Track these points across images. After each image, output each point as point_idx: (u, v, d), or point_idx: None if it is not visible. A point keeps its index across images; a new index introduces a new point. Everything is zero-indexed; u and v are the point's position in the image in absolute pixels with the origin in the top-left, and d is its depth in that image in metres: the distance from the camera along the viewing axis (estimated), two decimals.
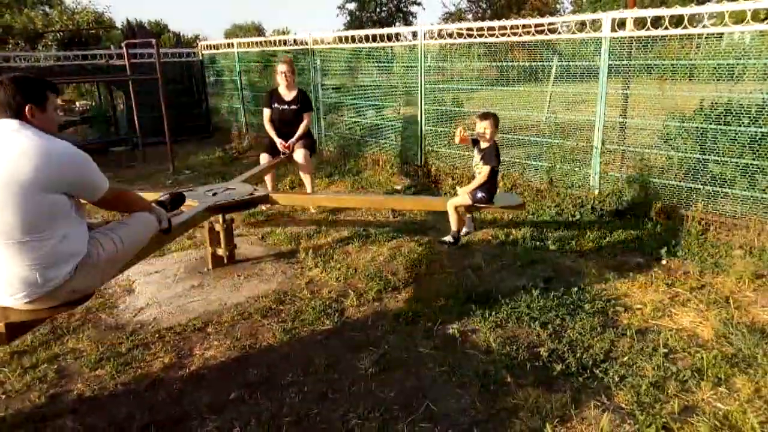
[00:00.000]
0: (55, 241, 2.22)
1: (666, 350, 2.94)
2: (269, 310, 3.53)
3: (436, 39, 6.59)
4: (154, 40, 8.19)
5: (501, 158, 4.23)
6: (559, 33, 5.43)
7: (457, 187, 3.97)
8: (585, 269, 4.02)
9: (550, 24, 5.44)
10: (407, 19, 40.91)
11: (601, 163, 5.32)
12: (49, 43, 18.84)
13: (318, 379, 2.77)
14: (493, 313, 3.34)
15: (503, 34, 5.74)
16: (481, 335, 3.14)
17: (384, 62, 7.38)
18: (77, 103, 14.72)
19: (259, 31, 49.31)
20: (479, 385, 2.68)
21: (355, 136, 7.95)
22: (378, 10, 40.29)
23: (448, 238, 4.41)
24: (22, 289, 2.22)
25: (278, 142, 5.68)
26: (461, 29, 6.24)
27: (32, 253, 2.18)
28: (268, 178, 5.74)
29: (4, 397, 2.69)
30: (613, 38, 5.02)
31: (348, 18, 40.59)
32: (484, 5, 40.37)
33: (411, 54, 6.82)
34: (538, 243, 4.56)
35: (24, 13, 21.12)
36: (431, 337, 3.14)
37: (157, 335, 3.24)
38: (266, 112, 5.79)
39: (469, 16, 40.43)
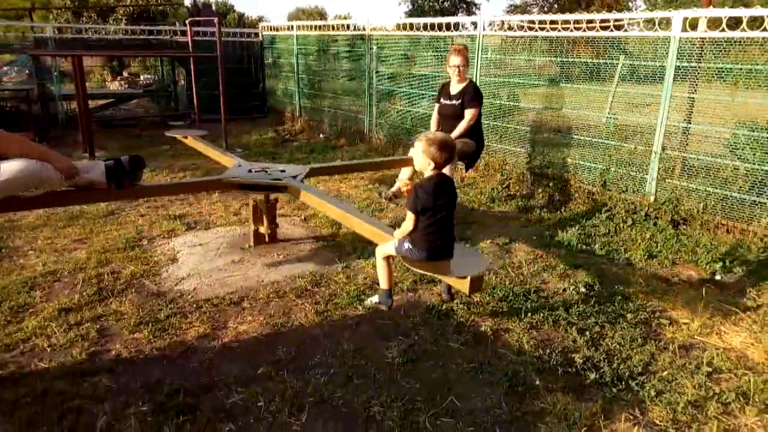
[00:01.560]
0: None
1: (710, 369, 2.78)
2: (304, 291, 3.56)
3: (496, 30, 6.43)
4: (216, 19, 8.37)
5: (437, 200, 2.66)
6: (625, 30, 5.20)
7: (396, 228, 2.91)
8: (632, 278, 3.86)
9: (616, 20, 5.21)
10: (470, 10, 40.21)
11: (659, 168, 5.08)
12: (120, 17, 19.65)
13: (344, 363, 2.78)
14: (529, 314, 3.25)
15: (566, 29, 5.54)
16: (514, 335, 3.06)
17: (442, 52, 7.27)
18: (141, 77, 15.28)
19: (321, 15, 49.75)
20: (507, 385, 2.62)
21: (406, 125, 7.90)
22: None
23: (374, 300, 3.13)
24: None
25: None
26: (523, 21, 6.07)
27: None
28: (407, 172, 5.18)
29: (49, 350, 2.83)
30: (683, 39, 4.76)
31: (410, 6, 40.28)
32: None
33: (470, 45, 6.69)
34: (584, 246, 4.41)
35: None
36: (462, 332, 3.09)
37: (194, 305, 3.33)
38: (435, 108, 5.22)
39: (535, 10, 39.36)
